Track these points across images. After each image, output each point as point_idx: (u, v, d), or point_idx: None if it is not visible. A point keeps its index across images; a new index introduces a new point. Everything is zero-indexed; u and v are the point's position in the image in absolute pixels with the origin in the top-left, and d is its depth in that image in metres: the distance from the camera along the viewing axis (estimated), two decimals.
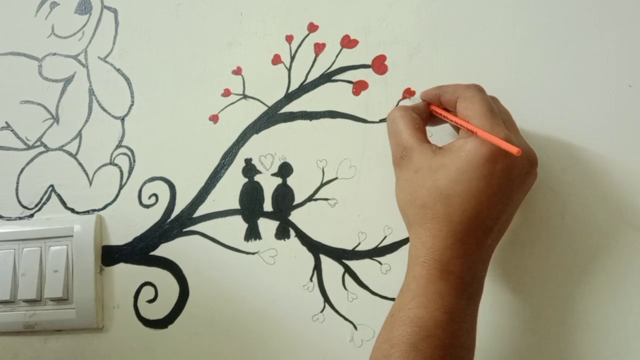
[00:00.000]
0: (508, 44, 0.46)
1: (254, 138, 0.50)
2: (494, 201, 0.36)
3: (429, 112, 0.43)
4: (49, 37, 0.55)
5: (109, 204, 0.52)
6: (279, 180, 0.49)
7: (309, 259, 0.48)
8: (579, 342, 0.42)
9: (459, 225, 0.35)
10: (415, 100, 0.47)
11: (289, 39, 0.50)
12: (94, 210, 0.52)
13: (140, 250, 0.51)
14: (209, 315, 0.49)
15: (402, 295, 0.37)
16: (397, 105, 0.47)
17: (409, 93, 0.47)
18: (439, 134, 0.46)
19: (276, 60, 0.50)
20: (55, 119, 0.54)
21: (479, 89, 0.39)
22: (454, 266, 0.35)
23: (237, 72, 0.51)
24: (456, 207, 0.35)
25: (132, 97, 0.53)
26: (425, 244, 0.36)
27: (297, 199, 0.49)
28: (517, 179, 0.37)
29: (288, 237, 0.48)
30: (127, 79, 0.53)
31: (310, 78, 0.49)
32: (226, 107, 0.51)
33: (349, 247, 0.47)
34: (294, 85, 0.50)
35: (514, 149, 0.33)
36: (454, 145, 0.37)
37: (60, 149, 0.54)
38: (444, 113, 0.41)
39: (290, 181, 0.49)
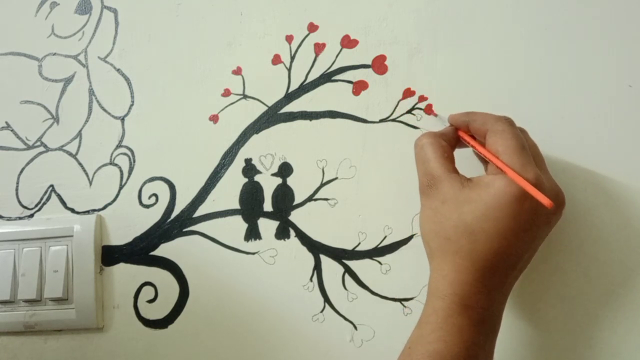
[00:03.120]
0: (508, 44, 0.46)
1: (254, 138, 0.50)
2: (518, 240, 0.36)
3: (457, 138, 0.42)
4: (49, 37, 0.55)
5: (109, 204, 0.52)
6: (279, 180, 0.49)
7: (309, 259, 0.48)
8: None
9: (483, 261, 0.35)
10: (441, 119, 0.47)
11: (289, 39, 0.50)
12: (94, 210, 0.52)
13: (140, 250, 0.51)
14: (209, 315, 0.49)
15: (420, 326, 0.36)
16: (419, 131, 0.47)
17: (409, 94, 0.47)
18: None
19: (276, 60, 0.50)
20: (55, 119, 0.54)
21: (510, 123, 0.38)
22: (474, 301, 0.35)
23: (237, 72, 0.51)
24: (481, 243, 0.35)
25: (132, 97, 0.53)
26: (446, 277, 0.36)
27: (297, 199, 0.49)
28: (543, 218, 0.37)
29: (288, 237, 0.48)
30: (127, 79, 0.53)
31: (310, 78, 0.50)
32: (226, 107, 0.51)
33: (349, 247, 0.47)
34: (294, 85, 0.50)
35: (546, 200, 0.32)
36: (483, 181, 0.36)
37: (60, 149, 0.54)
38: (473, 143, 0.41)
39: (290, 181, 0.49)
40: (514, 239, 0.35)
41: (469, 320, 0.35)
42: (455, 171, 0.39)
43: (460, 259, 0.36)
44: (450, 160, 0.40)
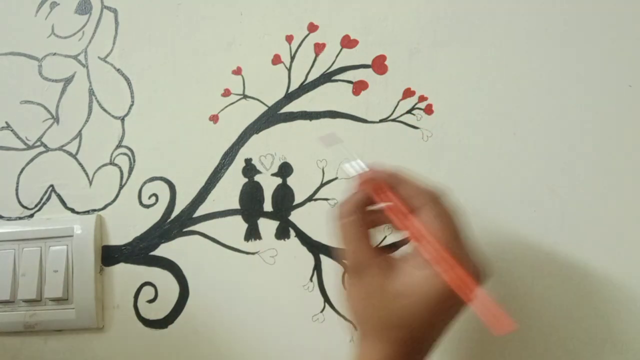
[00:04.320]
0: (508, 44, 0.46)
1: (254, 138, 0.50)
2: (443, 329, 0.38)
3: (371, 202, 0.38)
4: (49, 37, 0.55)
5: (109, 204, 0.52)
6: (279, 180, 0.49)
7: (309, 259, 0.48)
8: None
9: (409, 348, 0.37)
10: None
11: (289, 39, 0.50)
12: (94, 210, 0.52)
13: (140, 250, 0.51)
14: (209, 315, 0.49)
15: None
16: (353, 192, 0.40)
17: (409, 94, 0.47)
18: (439, 134, 0.46)
19: (276, 60, 0.50)
20: (55, 119, 0.54)
21: (444, 204, 0.36)
22: None
23: (237, 72, 0.51)
24: (409, 334, 0.37)
25: (132, 97, 0.53)
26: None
27: (297, 199, 0.49)
28: (465, 308, 0.37)
29: (288, 237, 0.48)
30: (127, 79, 0.53)
31: (310, 78, 0.50)
32: (226, 107, 0.51)
33: None
34: (294, 85, 0.50)
35: (510, 326, 0.30)
36: (412, 277, 0.36)
37: (60, 149, 0.54)
38: (401, 226, 0.36)
39: (290, 181, 0.49)
40: (439, 329, 0.38)
41: None
42: (377, 254, 0.37)
43: (388, 346, 0.37)
44: (369, 240, 0.38)
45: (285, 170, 0.49)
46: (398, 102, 0.48)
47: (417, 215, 0.36)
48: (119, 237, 0.51)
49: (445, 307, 0.36)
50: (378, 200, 0.37)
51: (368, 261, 0.37)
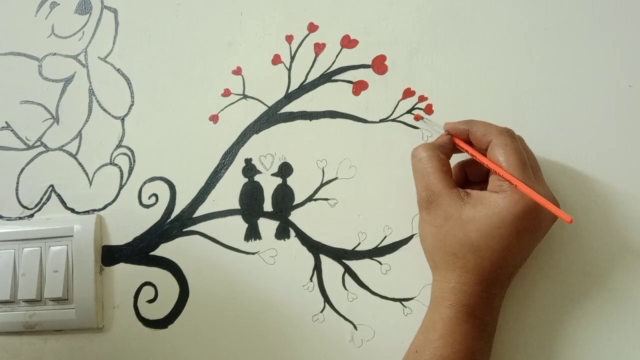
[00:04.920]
0: (508, 44, 0.46)
1: (254, 138, 0.50)
2: (521, 252, 0.38)
3: (453, 148, 0.43)
4: (49, 37, 0.55)
5: (109, 204, 0.52)
6: (279, 180, 0.49)
7: (309, 259, 0.48)
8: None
9: (488, 274, 0.37)
10: (429, 124, 0.47)
11: (289, 39, 0.50)
12: (94, 210, 0.52)
13: (140, 250, 0.51)
14: (208, 315, 0.49)
15: (426, 332, 0.38)
16: (420, 138, 0.47)
17: (409, 94, 0.47)
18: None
19: (276, 60, 0.50)
20: (55, 119, 0.54)
21: (512, 136, 0.39)
22: (479, 310, 0.37)
23: (237, 72, 0.51)
24: (486, 259, 0.37)
25: (132, 97, 0.53)
26: (454, 289, 0.38)
27: (297, 199, 0.49)
28: (543, 230, 0.39)
29: (288, 237, 0.48)
30: (127, 79, 0.53)
31: (310, 78, 0.50)
32: (226, 107, 0.51)
33: (349, 247, 0.47)
34: (294, 85, 0.50)
35: (567, 218, 0.33)
36: (487, 199, 0.37)
37: (60, 149, 0.54)
38: (475, 153, 0.40)
39: (290, 181, 0.49)
40: (517, 253, 0.37)
41: (474, 327, 0.37)
42: (454, 186, 0.39)
43: (466, 272, 0.37)
44: (449, 174, 0.40)
45: (285, 170, 0.49)
46: (398, 102, 0.48)
47: (489, 148, 0.39)
48: (119, 237, 0.51)
49: (523, 226, 0.36)
50: (455, 138, 0.42)
51: (439, 192, 0.39)
